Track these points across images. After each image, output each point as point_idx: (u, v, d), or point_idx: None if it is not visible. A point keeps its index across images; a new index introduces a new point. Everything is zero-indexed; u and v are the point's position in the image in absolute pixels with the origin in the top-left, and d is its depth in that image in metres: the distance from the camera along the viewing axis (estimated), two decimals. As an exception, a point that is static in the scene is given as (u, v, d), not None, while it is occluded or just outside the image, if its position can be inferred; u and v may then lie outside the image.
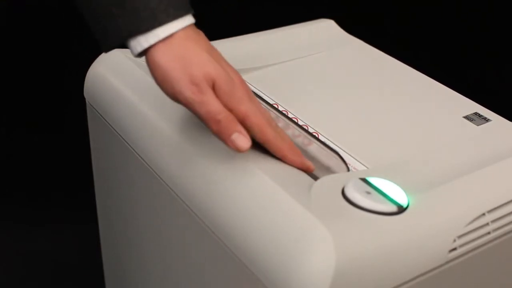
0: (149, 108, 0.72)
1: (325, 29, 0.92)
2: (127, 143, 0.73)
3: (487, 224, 0.59)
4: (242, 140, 0.56)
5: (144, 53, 0.59)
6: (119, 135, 0.75)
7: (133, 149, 0.72)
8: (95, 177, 0.90)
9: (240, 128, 0.57)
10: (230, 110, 0.57)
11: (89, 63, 0.81)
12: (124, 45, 0.59)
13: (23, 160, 1.51)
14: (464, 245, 0.57)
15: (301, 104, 0.74)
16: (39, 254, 1.32)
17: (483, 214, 0.59)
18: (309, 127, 0.70)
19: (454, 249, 0.57)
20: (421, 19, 1.65)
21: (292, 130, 0.67)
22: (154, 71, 0.58)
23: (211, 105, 0.57)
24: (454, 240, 0.57)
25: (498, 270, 0.65)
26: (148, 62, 0.59)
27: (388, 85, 0.80)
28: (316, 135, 0.67)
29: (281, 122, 0.69)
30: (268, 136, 0.59)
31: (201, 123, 0.57)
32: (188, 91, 0.56)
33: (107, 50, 0.60)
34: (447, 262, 0.57)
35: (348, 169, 0.62)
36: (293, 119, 0.70)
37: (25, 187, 1.46)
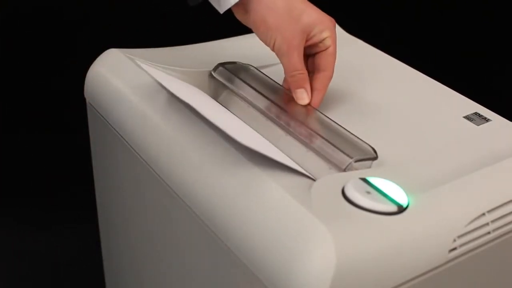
0: (150, 108, 0.72)
1: (325, 29, 0.92)
2: (128, 143, 0.73)
3: (487, 224, 0.59)
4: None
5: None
6: (120, 135, 0.75)
7: (134, 149, 0.72)
8: (95, 177, 0.89)
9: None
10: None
11: (89, 63, 0.81)
12: None
13: (22, 160, 1.51)
14: (464, 245, 0.57)
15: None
16: (39, 254, 1.31)
17: (483, 214, 0.59)
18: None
19: (454, 249, 0.57)
20: (421, 19, 1.65)
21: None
22: (269, 12, 0.65)
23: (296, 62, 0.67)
24: (454, 240, 0.57)
25: (498, 270, 0.65)
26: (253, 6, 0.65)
27: (388, 85, 0.80)
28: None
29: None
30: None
31: (202, 123, 0.57)
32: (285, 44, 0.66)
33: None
34: (447, 262, 0.57)
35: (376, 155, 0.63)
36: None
37: (25, 187, 1.46)
